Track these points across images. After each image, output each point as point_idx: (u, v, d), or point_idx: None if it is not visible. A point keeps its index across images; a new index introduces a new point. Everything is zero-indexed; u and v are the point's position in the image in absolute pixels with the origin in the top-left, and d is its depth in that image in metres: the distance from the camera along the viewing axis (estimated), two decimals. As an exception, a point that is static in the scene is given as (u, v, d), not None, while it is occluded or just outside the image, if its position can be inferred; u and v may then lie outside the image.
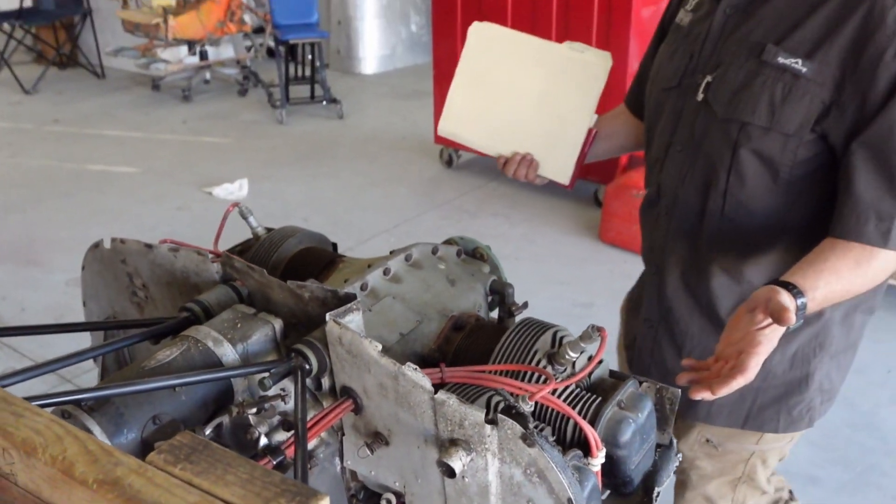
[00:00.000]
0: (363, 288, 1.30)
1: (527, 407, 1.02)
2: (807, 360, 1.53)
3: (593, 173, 4.36)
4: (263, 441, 1.09)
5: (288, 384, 1.16)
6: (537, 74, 1.51)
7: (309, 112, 6.21)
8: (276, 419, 1.11)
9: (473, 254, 1.55)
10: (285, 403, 1.06)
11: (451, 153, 5.03)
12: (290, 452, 1.06)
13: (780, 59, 1.30)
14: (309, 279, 1.22)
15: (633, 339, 1.72)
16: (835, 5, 1.27)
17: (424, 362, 1.25)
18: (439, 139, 5.00)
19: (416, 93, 4.91)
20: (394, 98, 6.57)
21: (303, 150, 5.47)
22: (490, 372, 1.15)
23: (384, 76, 7.29)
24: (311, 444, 1.13)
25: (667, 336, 1.59)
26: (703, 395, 1.21)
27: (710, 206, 1.43)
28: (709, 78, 1.39)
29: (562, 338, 1.22)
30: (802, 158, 1.33)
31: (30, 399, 0.89)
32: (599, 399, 1.20)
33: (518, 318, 1.33)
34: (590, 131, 1.55)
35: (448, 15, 4.61)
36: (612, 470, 1.19)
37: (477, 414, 0.97)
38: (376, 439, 1.10)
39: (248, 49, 6.94)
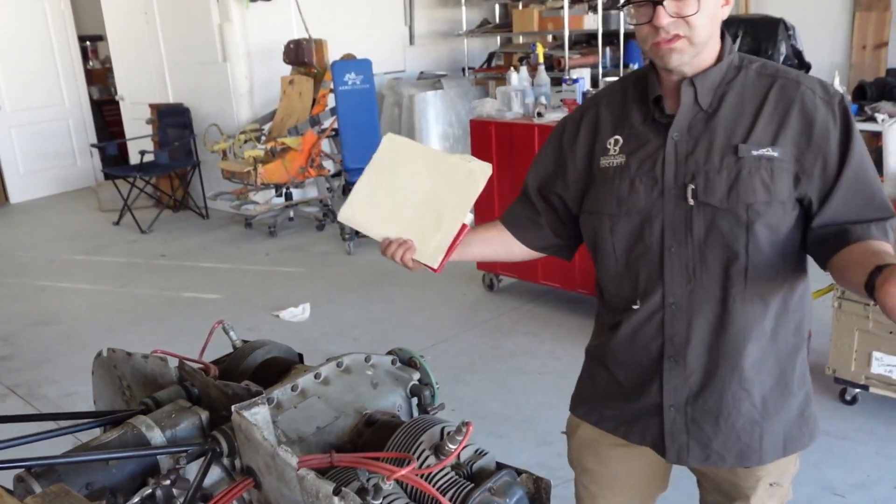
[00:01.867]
0: (294, 388, 1.49)
1: (386, 485, 1.17)
2: (805, 368, 1.72)
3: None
4: (183, 511, 1.27)
5: (216, 467, 1.35)
6: (428, 176, 1.65)
7: (375, 244, 6.55)
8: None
9: (408, 362, 1.72)
10: (178, 480, 1.23)
11: (492, 278, 5.24)
12: (201, 520, 1.24)
13: (754, 152, 1.52)
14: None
15: (636, 425, 1.75)
16: (773, 106, 1.54)
17: (338, 451, 1.42)
18: (481, 266, 5.22)
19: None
20: (452, 230, 6.89)
21: (364, 278, 5.79)
22: (378, 458, 1.30)
23: (448, 211, 7.64)
24: (224, 516, 1.30)
25: (700, 412, 1.65)
26: None
27: (732, 282, 1.56)
28: (692, 186, 1.55)
29: (449, 432, 1.37)
30: (796, 216, 1.56)
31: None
32: (472, 486, 1.33)
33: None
34: (463, 226, 1.67)
35: (485, 157, 4.92)
36: (479, 548, 1.31)
37: (327, 487, 1.13)
38: (271, 512, 1.27)
39: (328, 190, 7.45)
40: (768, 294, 1.59)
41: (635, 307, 1.65)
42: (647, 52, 1.57)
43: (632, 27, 2.05)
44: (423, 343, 4.49)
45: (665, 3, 1.46)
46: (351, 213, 1.75)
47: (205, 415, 1.35)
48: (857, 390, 3.55)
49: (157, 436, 1.28)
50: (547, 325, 4.68)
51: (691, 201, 1.55)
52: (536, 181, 1.84)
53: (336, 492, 1.11)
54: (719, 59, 1.58)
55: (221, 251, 6.82)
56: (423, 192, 1.66)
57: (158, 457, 1.28)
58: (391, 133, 1.80)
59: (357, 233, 6.53)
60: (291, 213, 7.34)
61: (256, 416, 1.27)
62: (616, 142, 1.67)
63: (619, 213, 1.64)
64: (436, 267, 1.68)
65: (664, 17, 1.47)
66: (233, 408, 1.25)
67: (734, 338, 1.59)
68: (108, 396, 1.69)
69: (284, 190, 7.12)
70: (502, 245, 1.88)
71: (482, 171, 1.63)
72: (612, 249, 1.67)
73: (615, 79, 4.47)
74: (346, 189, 6.55)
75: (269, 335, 4.88)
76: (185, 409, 1.35)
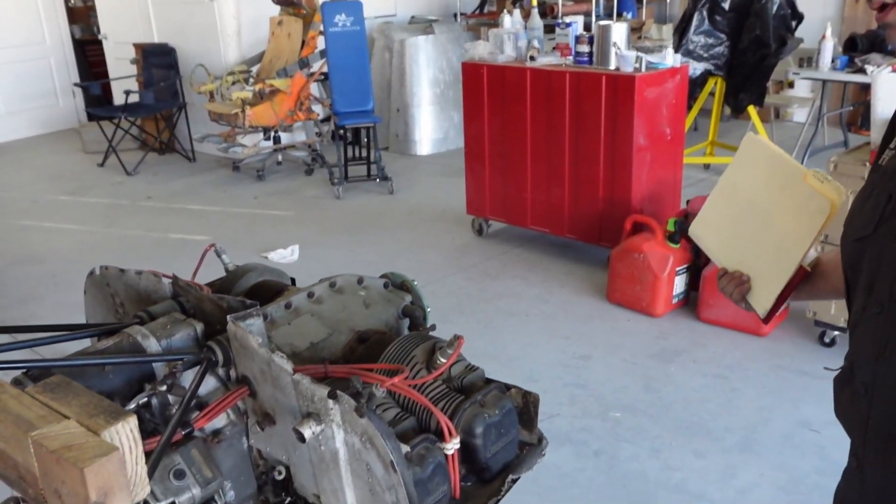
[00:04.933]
0: (287, 306, 1.51)
1: (379, 392, 1.20)
2: None
3: (606, 239, 4.50)
4: (179, 417, 1.30)
5: (211, 377, 1.37)
6: (776, 196, 1.37)
7: (364, 188, 6.57)
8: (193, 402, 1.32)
9: (401, 286, 1.74)
10: (174, 387, 1.26)
11: (481, 223, 5.26)
12: (197, 425, 1.26)
13: None
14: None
15: None
16: None
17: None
18: (471, 210, 5.24)
19: (460, 171, 5.19)
20: (441, 176, 6.87)
21: (352, 222, 5.79)
22: (370, 370, 1.33)
23: (437, 157, 7.62)
24: (219, 423, 1.33)
25: None
26: None
27: None
28: None
29: (441, 347, 1.39)
30: None
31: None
32: (463, 398, 1.37)
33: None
34: (800, 269, 1.34)
35: (476, 101, 4.91)
36: (469, 457, 1.35)
37: (322, 390, 1.15)
38: (265, 419, 1.30)
39: (317, 134, 7.40)
40: None
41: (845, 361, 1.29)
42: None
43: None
44: (411, 285, 4.52)
45: None
46: (702, 229, 1.55)
47: (200, 326, 1.37)
48: (836, 333, 3.64)
49: (152, 344, 1.30)
50: (535, 269, 4.72)
51: None
52: None
53: (331, 395, 1.14)
54: None
55: (209, 194, 6.79)
56: (767, 212, 1.39)
57: (154, 366, 1.30)
58: (751, 133, 1.54)
59: (346, 177, 6.51)
60: (280, 158, 7.30)
61: (252, 326, 1.29)
62: None
63: (847, 229, 1.25)
64: (763, 316, 1.40)
65: None
66: (228, 317, 1.27)
67: None
68: (101, 315, 1.70)
69: (273, 133, 7.06)
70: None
71: (833, 195, 1.27)
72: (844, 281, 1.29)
73: (609, 24, 4.46)
74: (335, 135, 6.50)
75: (258, 275, 4.84)
76: (180, 320, 1.37)
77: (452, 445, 1.27)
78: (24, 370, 1.18)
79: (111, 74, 8.81)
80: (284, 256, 5.02)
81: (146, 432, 1.17)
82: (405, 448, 1.21)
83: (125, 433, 0.84)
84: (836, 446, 2.95)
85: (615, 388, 3.41)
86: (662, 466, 2.88)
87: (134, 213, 6.34)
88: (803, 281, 1.38)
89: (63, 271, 5.05)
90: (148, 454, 1.23)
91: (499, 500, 1.32)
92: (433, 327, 1.69)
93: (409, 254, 5.08)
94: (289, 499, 1.41)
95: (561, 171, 4.62)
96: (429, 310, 1.71)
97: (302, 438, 1.15)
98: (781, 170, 1.38)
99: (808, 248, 1.32)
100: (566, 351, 3.72)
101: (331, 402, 1.14)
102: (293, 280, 1.84)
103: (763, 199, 1.42)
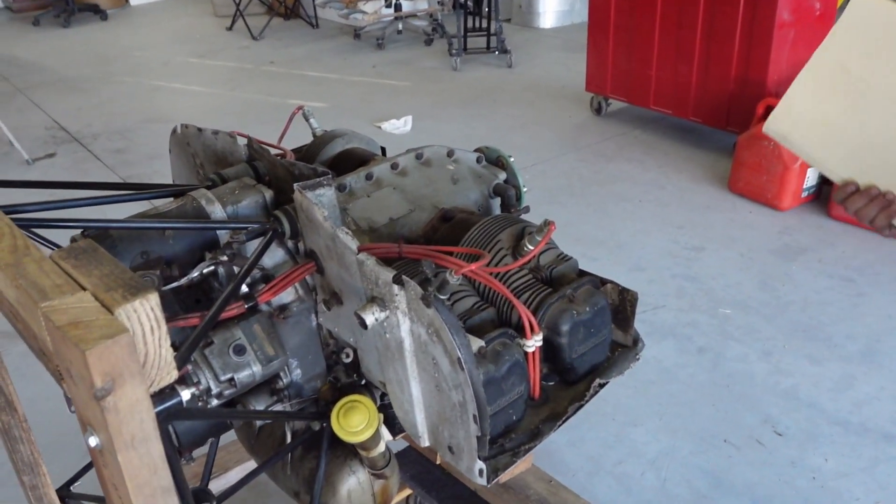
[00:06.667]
0: (368, 177, 1.35)
1: (453, 279, 1.03)
2: None
3: (734, 123, 4.08)
4: (244, 289, 1.19)
5: (279, 249, 1.25)
6: None
7: (482, 61, 6.25)
8: (258, 273, 1.20)
9: (496, 162, 1.54)
10: (236, 257, 1.14)
11: (600, 101, 4.89)
12: (262, 299, 1.15)
13: None
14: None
15: None
16: None
17: (409, 243, 1.29)
18: (590, 87, 4.87)
19: (583, 46, 4.79)
20: (563, 51, 6.44)
21: (468, 95, 5.53)
22: (444, 252, 1.16)
23: (560, 30, 7.14)
24: (286, 299, 1.22)
25: None
26: None
27: None
28: None
29: (530, 232, 1.21)
30: None
31: (44, 221, 1.04)
32: (550, 290, 1.19)
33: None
34: None
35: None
36: (552, 356, 1.19)
37: (387, 274, 1.00)
38: (333, 297, 1.17)
39: (438, 3, 7.05)
40: None
41: None
42: None
43: None
44: (521, 163, 4.28)
45: None
46: (782, 125, 1.14)
47: (269, 193, 1.24)
48: None
49: (217, 210, 1.18)
50: (653, 153, 4.37)
51: None
52: None
53: (396, 280, 0.99)
54: None
55: (329, 61, 6.66)
56: None
57: (219, 233, 1.19)
58: None
59: (465, 48, 6.19)
60: (400, 26, 7.03)
61: (321, 197, 1.15)
62: None
63: None
64: None
65: None
66: (295, 186, 1.12)
67: None
68: (185, 175, 1.61)
69: (394, 1, 6.77)
70: None
71: None
72: None
73: None
74: (457, 4, 6.14)
75: (368, 144, 4.77)
76: (249, 186, 1.24)
77: (534, 342, 1.11)
78: (82, 230, 1.09)
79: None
80: (397, 127, 4.87)
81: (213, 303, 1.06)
82: (479, 343, 1.06)
83: (144, 312, 0.72)
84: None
85: (728, 284, 3.13)
86: (772, 370, 2.64)
87: (256, 78, 6.31)
88: None
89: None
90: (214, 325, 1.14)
91: (582, 405, 1.16)
92: (527, 209, 1.50)
93: (522, 130, 4.81)
94: (363, 381, 1.30)
95: (691, 47, 4.16)
96: (525, 190, 1.51)
97: (363, 325, 1.01)
98: None
99: None
100: (678, 241, 3.45)
101: (396, 287, 0.99)
102: (383, 150, 1.68)
103: (892, 78, 1.04)
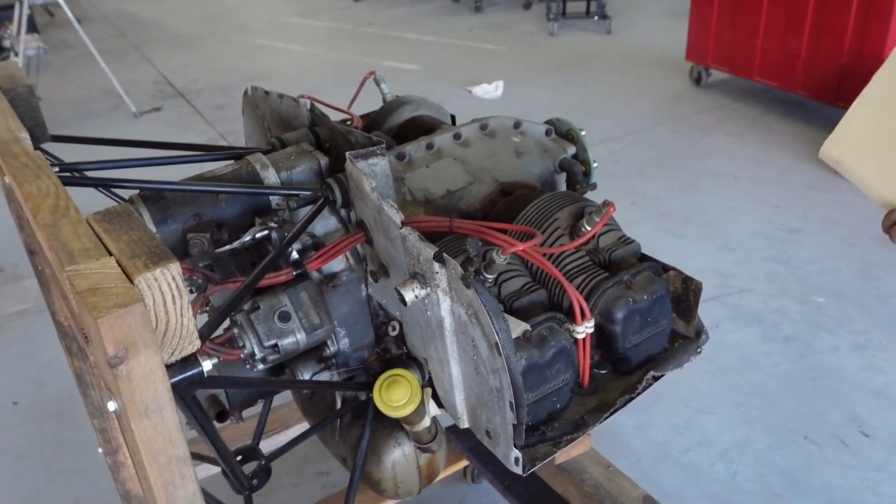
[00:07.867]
0: (429, 147, 1.31)
1: (500, 259, 0.98)
2: None
3: (844, 98, 3.79)
4: (295, 256, 1.17)
5: (332, 217, 1.22)
6: None
7: (581, 26, 6.05)
8: (308, 241, 1.19)
9: (566, 135, 1.47)
10: (286, 223, 1.12)
11: (700, 71, 4.64)
12: (310, 266, 1.13)
13: None
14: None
15: None
16: None
17: (465, 217, 1.24)
18: (691, 56, 4.63)
19: (687, 13, 4.57)
20: (666, 17, 6.14)
21: (563, 61, 5.37)
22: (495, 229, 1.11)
23: (666, -4, 6.82)
24: (336, 267, 1.19)
25: None
26: None
27: None
28: None
29: (590, 212, 1.14)
30: None
31: (104, 181, 1.05)
32: (607, 275, 1.12)
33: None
34: None
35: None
36: (606, 344, 1.12)
37: (428, 251, 0.96)
38: (381, 269, 1.14)
39: (539, -35, 6.85)
40: None
41: None
42: None
43: None
44: (613, 132, 4.14)
45: None
46: (837, 151, 1.15)
47: (324, 160, 1.21)
48: None
49: (271, 175, 1.16)
50: (754, 127, 4.12)
51: None
52: None
53: (437, 257, 0.95)
54: None
55: (426, 23, 6.60)
56: None
57: (271, 198, 1.17)
58: None
59: (564, 13, 6.00)
60: (498, -11, 6.89)
61: (375, 167, 1.11)
62: None
63: None
64: None
65: None
66: (347, 154, 1.09)
67: None
68: (255, 137, 1.61)
69: (493, -38, 6.63)
70: None
71: None
72: None
73: None
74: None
75: (458, 110, 4.76)
76: (305, 152, 1.22)
77: (584, 329, 1.05)
78: (139, 190, 1.10)
79: None
80: (488, 92, 4.78)
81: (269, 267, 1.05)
82: (524, 326, 1.00)
83: (166, 281, 0.71)
84: None
85: (823, 270, 2.93)
86: (864, 365, 2.46)
87: (355, 38, 6.33)
88: None
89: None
90: (262, 290, 1.13)
91: (632, 398, 1.09)
92: (594, 186, 1.42)
93: (616, 99, 4.63)
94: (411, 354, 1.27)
95: (802, 16, 3.87)
96: (595, 165, 1.42)
97: (403, 301, 0.98)
98: None
99: None
100: (773, 221, 3.25)
101: (437, 265, 0.95)
102: (453, 118, 1.62)
103: None
